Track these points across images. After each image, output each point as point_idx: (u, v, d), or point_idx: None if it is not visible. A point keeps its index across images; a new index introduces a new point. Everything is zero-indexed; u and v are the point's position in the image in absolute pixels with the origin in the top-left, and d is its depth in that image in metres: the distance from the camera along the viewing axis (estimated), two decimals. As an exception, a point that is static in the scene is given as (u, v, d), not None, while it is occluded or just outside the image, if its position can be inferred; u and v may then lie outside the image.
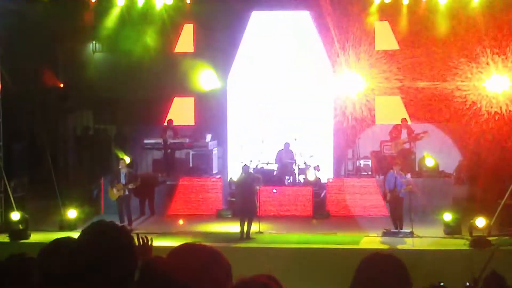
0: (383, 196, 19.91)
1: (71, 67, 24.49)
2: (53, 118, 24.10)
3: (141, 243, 4.51)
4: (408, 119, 23.81)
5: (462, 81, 23.43)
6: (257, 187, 19.71)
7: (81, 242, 3.65)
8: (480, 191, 22.93)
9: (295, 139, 23.65)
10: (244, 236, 18.95)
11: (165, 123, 24.23)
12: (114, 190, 20.25)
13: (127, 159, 21.87)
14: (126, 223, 19.74)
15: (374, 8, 23.80)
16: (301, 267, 16.98)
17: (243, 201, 19.49)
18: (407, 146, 23.08)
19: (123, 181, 20.19)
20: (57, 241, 3.90)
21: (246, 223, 19.04)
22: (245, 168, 20.01)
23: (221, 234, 19.61)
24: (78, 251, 3.61)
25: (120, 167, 20.54)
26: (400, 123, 23.53)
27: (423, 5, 23.22)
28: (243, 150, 24.32)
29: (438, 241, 18.58)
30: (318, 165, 23.36)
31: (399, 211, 19.35)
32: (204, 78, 25.10)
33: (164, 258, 3.81)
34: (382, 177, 21.88)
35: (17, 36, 23.04)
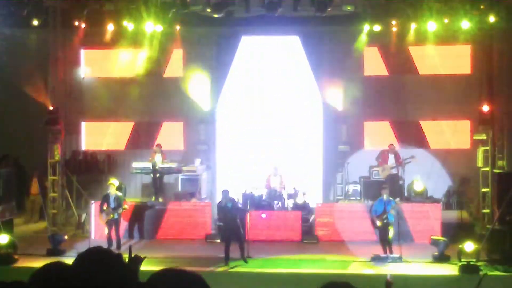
0: (372, 222, 19.89)
1: (61, 91, 24.52)
2: (42, 142, 24.04)
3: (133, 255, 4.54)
4: (395, 144, 23.90)
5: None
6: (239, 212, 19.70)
7: (76, 268, 3.64)
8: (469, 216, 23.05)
9: (284, 164, 23.68)
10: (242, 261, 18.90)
11: (154, 147, 24.23)
12: (103, 214, 20.18)
13: (116, 183, 21.84)
14: (114, 247, 19.66)
15: (364, 35, 23.95)
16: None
17: (227, 226, 19.51)
18: (394, 171, 23.14)
19: (112, 205, 20.13)
20: (48, 266, 3.88)
21: (239, 248, 19.04)
22: (225, 193, 19.93)
23: (209, 259, 19.56)
24: (73, 277, 3.60)
25: (109, 191, 20.48)
26: (387, 148, 23.63)
27: (412, 33, 23.33)
28: (232, 175, 24.37)
29: (427, 266, 18.58)
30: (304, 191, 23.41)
31: (386, 236, 19.34)
32: (193, 103, 25.23)
33: (144, 284, 3.79)
34: (371, 202, 21.98)
35: (7, 60, 23.09)
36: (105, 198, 20.36)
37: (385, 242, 19.39)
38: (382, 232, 19.51)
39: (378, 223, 19.40)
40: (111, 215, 20.04)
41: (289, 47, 25.61)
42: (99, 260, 3.65)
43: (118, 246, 20.01)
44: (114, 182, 21.22)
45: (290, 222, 22.35)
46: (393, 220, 19.28)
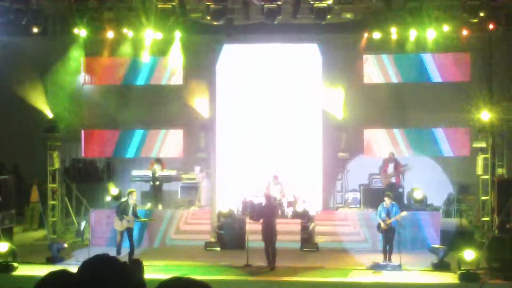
0: (377, 226, 19.89)
1: (61, 99, 24.51)
2: (42, 149, 24.04)
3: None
4: (394, 152, 23.86)
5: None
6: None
7: (82, 276, 3.61)
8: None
9: (284, 172, 23.65)
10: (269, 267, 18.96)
11: (152, 156, 24.27)
12: (124, 221, 20.13)
13: (115, 191, 21.81)
14: (121, 254, 19.51)
15: (363, 42, 23.94)
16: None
17: (266, 228, 19.54)
18: (393, 180, 23.15)
19: (131, 213, 20.15)
20: (53, 274, 3.83)
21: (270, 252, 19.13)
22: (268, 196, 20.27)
23: (210, 267, 19.54)
24: (78, 285, 3.57)
25: (129, 199, 20.35)
26: (387, 156, 23.62)
27: (412, 40, 23.31)
28: (232, 182, 24.35)
29: (426, 274, 18.54)
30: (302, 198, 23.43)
31: (390, 242, 19.34)
32: (193, 110, 25.21)
33: None
34: (370, 210, 21.97)
35: (7, 67, 23.11)
36: (125, 206, 20.26)
37: (386, 247, 19.39)
38: (385, 237, 19.51)
39: (382, 226, 19.41)
40: (132, 223, 20.15)
41: (289, 55, 25.57)
42: (105, 267, 3.62)
43: (132, 252, 20.10)
44: (133, 191, 21.02)
45: (290, 230, 22.32)
46: (396, 226, 19.30)
